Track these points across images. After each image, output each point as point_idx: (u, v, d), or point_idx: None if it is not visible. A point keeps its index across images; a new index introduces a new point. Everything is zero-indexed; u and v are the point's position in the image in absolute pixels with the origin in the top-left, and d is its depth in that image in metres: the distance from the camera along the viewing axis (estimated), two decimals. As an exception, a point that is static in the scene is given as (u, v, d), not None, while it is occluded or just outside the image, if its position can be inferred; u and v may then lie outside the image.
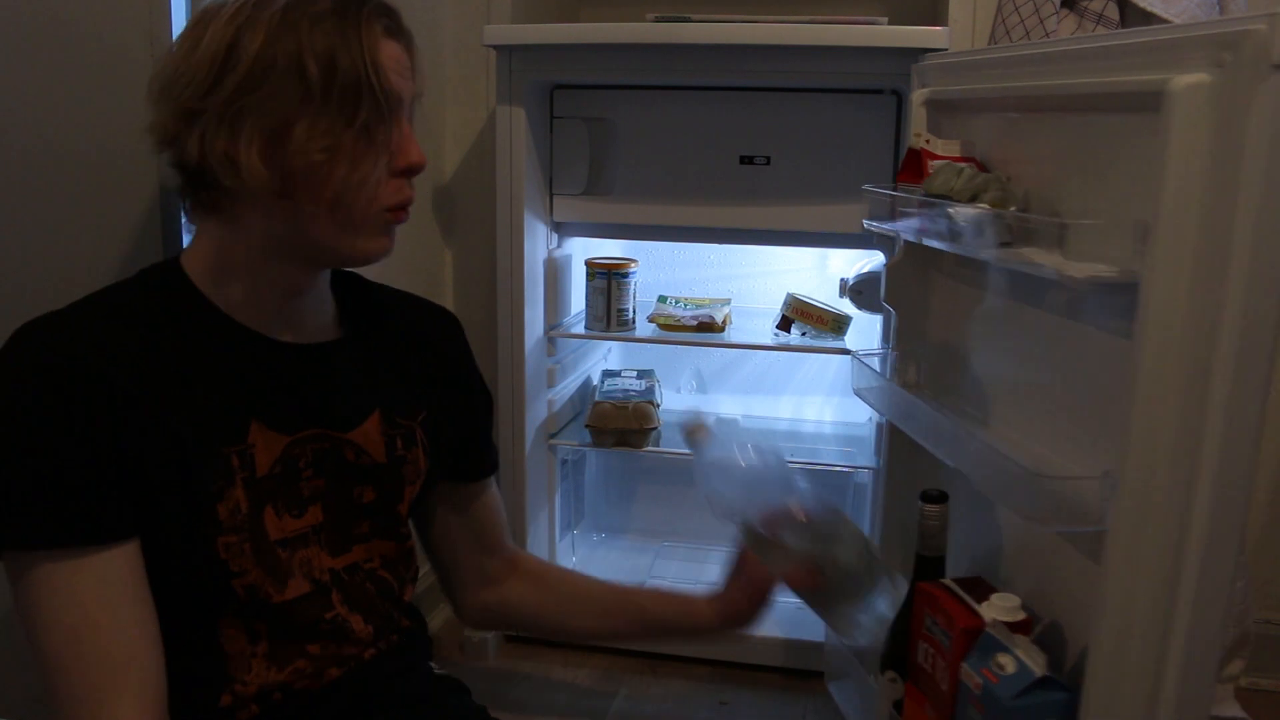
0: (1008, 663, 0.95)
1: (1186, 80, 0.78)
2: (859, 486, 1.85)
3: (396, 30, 0.82)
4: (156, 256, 1.04)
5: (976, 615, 1.01)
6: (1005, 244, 0.99)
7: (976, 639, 1.00)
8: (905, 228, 1.21)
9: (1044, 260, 0.92)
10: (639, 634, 1.23)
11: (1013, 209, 1.02)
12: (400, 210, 0.83)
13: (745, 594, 1.07)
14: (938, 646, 1.06)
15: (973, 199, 1.04)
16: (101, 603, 0.73)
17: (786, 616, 1.77)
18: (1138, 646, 0.87)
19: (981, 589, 1.05)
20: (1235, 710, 1.58)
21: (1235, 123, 0.76)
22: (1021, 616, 0.99)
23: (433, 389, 0.97)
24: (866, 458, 1.74)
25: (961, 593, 1.06)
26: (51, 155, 0.93)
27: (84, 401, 0.73)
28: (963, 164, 1.11)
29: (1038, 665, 0.93)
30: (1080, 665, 0.92)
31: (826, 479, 1.91)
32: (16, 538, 0.73)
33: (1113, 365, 0.91)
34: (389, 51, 0.80)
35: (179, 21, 1.07)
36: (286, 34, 0.75)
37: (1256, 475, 1.68)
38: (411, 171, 0.83)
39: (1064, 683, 0.94)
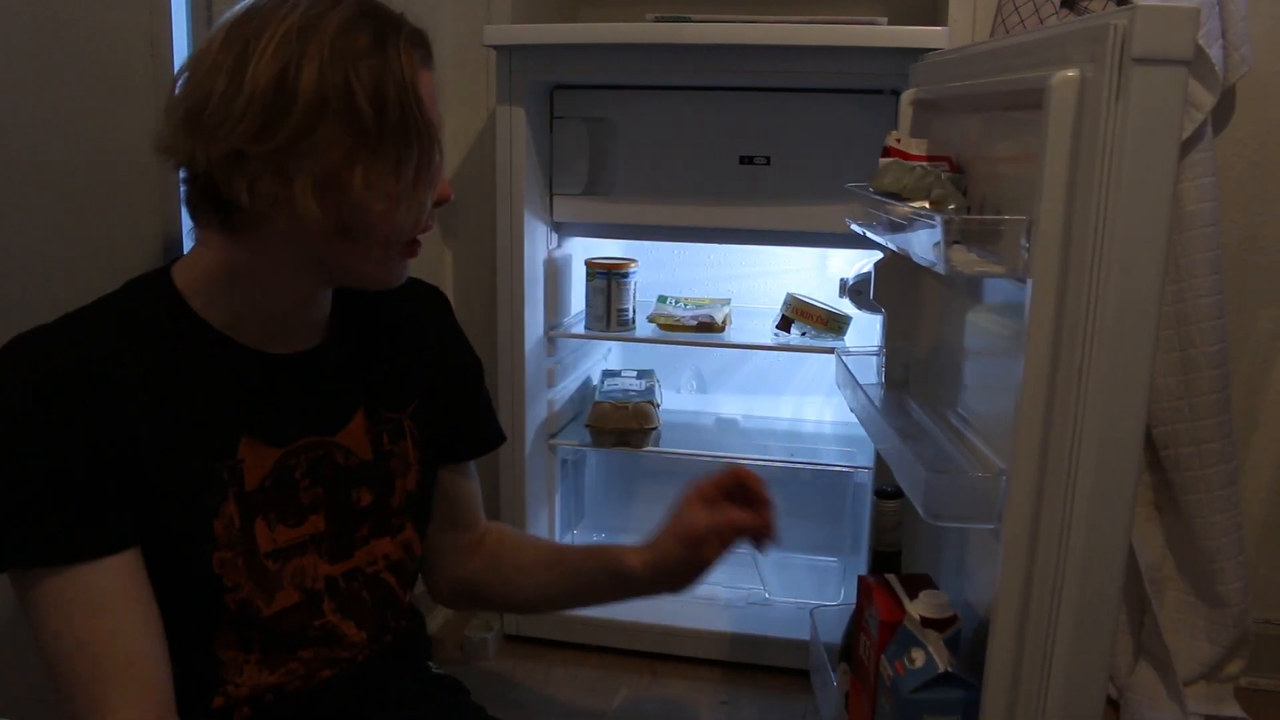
0: (918, 657, 0.96)
1: (1062, 75, 0.79)
2: (859, 487, 1.85)
3: (429, 58, 0.80)
4: (158, 262, 1.03)
5: (901, 610, 1.02)
6: (956, 242, 0.99)
7: (895, 632, 1.01)
8: (867, 226, 1.21)
9: (955, 256, 0.93)
10: (577, 594, 1.05)
11: (951, 207, 1.02)
12: (416, 244, 0.84)
13: (678, 542, 0.94)
14: (870, 638, 1.06)
15: (926, 196, 1.04)
16: (103, 610, 0.74)
17: (784, 617, 1.77)
18: (1030, 644, 0.87)
19: (920, 585, 1.06)
20: (1235, 710, 1.58)
21: (1103, 116, 0.77)
22: (949, 614, 0.99)
23: (423, 374, 0.97)
24: (866, 458, 1.73)
25: (899, 588, 1.06)
26: (51, 158, 0.93)
27: (77, 414, 0.73)
28: (915, 162, 1.11)
29: (942, 661, 0.94)
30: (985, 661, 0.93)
31: (826, 479, 1.92)
32: (17, 556, 0.73)
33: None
34: (426, 83, 0.79)
35: (179, 23, 1.07)
36: (335, 71, 0.72)
37: (1257, 475, 1.69)
38: (441, 204, 0.84)
39: (968, 679, 0.94)
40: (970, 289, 1.11)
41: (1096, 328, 0.79)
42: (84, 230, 0.97)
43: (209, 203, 0.77)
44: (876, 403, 1.22)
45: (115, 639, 0.74)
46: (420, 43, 0.79)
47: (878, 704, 1.03)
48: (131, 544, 0.76)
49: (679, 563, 0.94)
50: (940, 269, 0.92)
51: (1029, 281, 0.83)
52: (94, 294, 0.82)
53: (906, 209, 1.01)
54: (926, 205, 1.02)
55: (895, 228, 1.06)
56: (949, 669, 0.94)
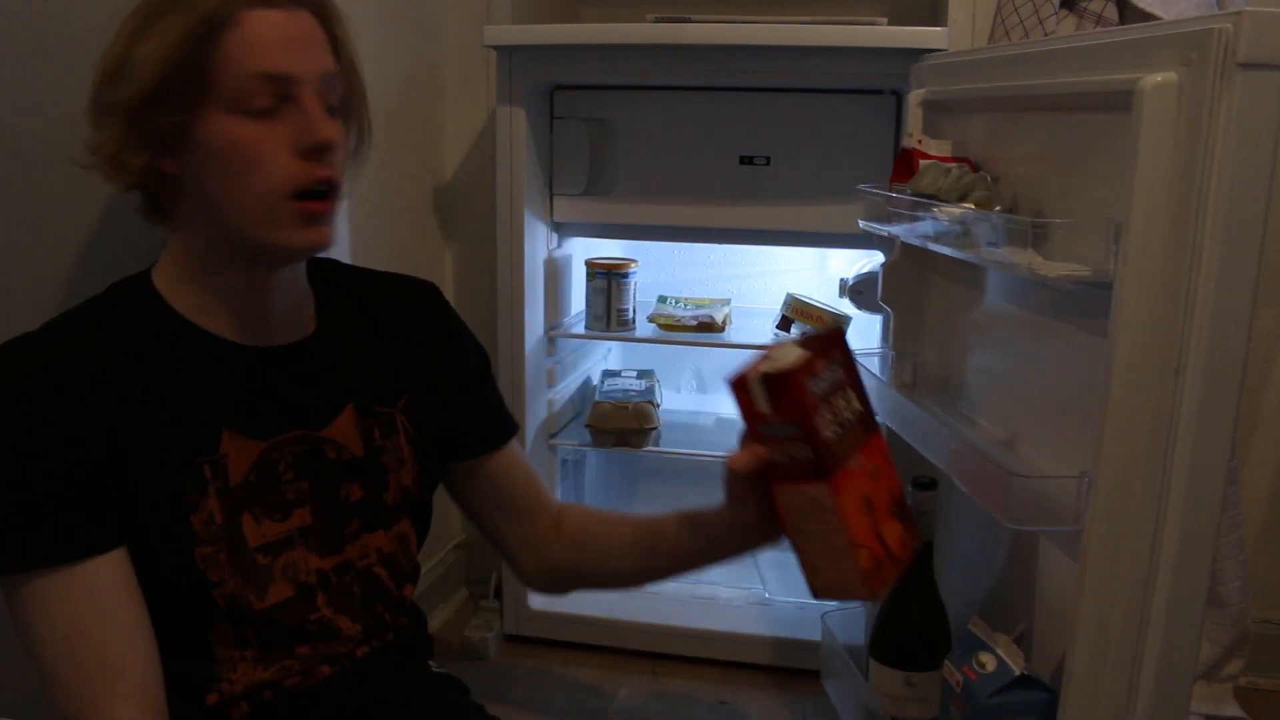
0: (988, 661, 0.95)
1: (1155, 79, 0.79)
2: (859, 486, 1.84)
3: (291, 3, 0.77)
4: (155, 259, 1.04)
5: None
6: (991, 244, 0.99)
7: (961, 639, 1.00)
8: (896, 228, 1.21)
9: (1022, 259, 0.92)
10: (678, 567, 0.98)
11: (998, 209, 1.02)
12: (310, 197, 0.78)
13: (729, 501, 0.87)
14: None
15: (961, 199, 1.05)
16: (92, 611, 0.74)
17: (784, 616, 1.77)
18: (1116, 645, 0.87)
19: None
20: (1235, 710, 1.58)
21: (1203, 120, 0.77)
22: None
23: (415, 369, 0.95)
24: (866, 458, 1.73)
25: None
26: (51, 158, 0.93)
27: (61, 419, 0.74)
28: (951, 164, 1.11)
29: (1016, 664, 0.93)
30: (1064, 664, 0.92)
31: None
32: (5, 561, 0.74)
33: (1093, 364, 0.91)
34: (269, 27, 0.75)
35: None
36: (156, 23, 0.75)
37: (1257, 475, 1.69)
38: (316, 151, 0.77)
39: (1044, 681, 0.94)
40: (1000, 290, 1.11)
41: (1195, 329, 0.79)
42: (84, 229, 0.97)
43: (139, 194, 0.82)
44: (912, 404, 1.21)
45: (103, 639, 0.74)
46: None
47: (941, 711, 1.02)
48: (117, 544, 0.76)
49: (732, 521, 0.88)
50: (1020, 273, 0.91)
51: (1116, 284, 0.82)
52: (88, 293, 0.82)
53: (957, 210, 1.02)
54: (973, 207, 1.02)
55: (941, 230, 1.05)
56: (1026, 671, 0.93)
